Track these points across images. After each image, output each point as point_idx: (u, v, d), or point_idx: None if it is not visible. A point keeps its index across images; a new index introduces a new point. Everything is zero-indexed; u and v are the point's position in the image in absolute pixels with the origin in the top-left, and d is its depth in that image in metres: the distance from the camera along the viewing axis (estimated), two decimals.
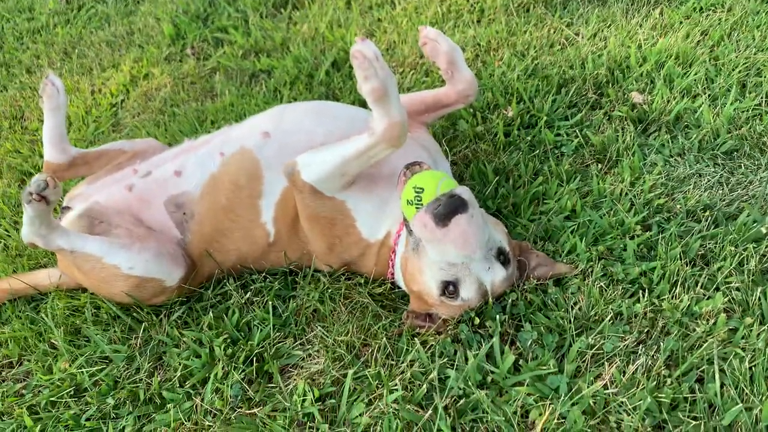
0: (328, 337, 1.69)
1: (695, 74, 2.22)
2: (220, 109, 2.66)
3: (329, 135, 1.74)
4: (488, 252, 1.52)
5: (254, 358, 1.67)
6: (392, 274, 1.74)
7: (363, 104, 2.52)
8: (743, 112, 2.07)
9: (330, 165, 1.61)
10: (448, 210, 1.41)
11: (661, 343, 1.47)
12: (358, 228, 1.72)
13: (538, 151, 2.10)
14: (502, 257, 1.55)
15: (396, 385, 1.50)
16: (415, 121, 1.99)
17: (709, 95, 2.15)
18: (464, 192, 1.45)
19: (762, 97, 2.09)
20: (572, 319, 1.56)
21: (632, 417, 1.35)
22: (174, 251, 1.80)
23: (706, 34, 2.42)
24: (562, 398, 1.40)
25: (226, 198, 1.77)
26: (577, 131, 2.13)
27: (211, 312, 1.80)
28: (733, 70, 2.21)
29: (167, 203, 1.82)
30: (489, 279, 1.54)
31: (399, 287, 1.77)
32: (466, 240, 1.44)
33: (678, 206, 1.79)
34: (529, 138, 2.16)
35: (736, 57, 2.26)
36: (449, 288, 1.53)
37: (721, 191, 1.83)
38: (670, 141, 2.04)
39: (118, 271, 1.75)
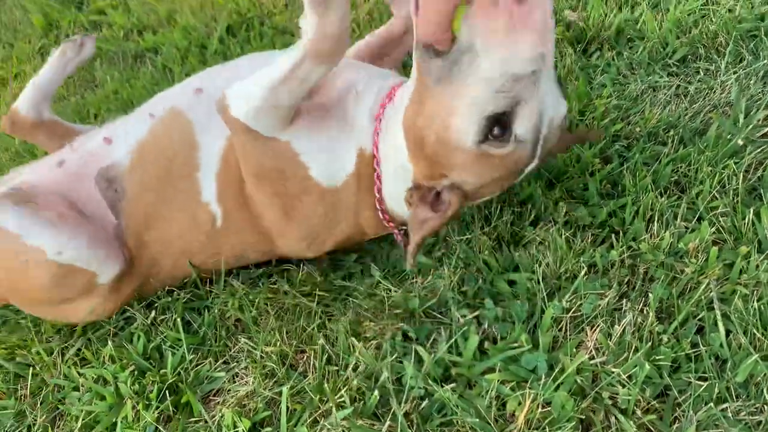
0: (255, 349, 1.38)
1: None
2: (103, 99, 2.28)
3: None
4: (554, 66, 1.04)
5: (169, 390, 1.36)
6: (379, 189, 1.32)
7: None
8: (689, 14, 1.83)
9: (258, 95, 1.23)
10: None
11: (649, 294, 1.22)
12: (314, 178, 1.33)
13: None
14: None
15: (343, 397, 1.22)
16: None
17: (649, 2, 1.91)
18: None
19: None
20: (540, 279, 1.30)
21: (629, 388, 1.10)
22: (110, 239, 1.46)
23: None
24: (542, 380, 1.14)
25: (158, 170, 1.43)
26: None
27: (110, 342, 1.47)
28: None
29: (98, 178, 1.46)
30: (552, 111, 1.06)
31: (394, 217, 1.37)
32: (547, 27, 0.95)
33: (638, 129, 1.55)
34: None
35: None
36: (496, 127, 1.04)
37: (681, 105, 1.59)
38: (615, 58, 1.79)
39: (40, 256, 1.38)
